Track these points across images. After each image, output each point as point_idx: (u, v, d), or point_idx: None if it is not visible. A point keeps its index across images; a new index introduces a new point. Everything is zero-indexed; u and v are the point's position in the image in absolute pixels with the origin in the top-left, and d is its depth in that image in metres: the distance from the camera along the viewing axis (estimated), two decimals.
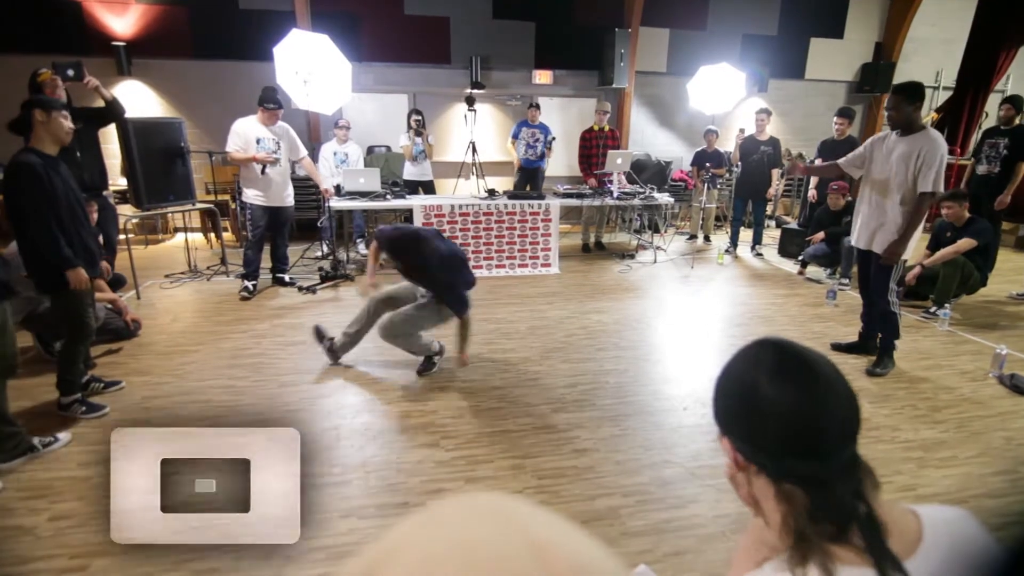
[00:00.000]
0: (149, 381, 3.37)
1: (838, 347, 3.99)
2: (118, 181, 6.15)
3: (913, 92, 3.25)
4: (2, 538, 2.10)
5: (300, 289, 5.04)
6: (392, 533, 0.32)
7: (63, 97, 4.28)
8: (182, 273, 5.56)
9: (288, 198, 5.07)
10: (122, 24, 6.87)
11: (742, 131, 6.96)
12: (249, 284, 4.95)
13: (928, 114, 9.36)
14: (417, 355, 3.53)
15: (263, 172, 4.74)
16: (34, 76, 3.93)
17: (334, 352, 3.58)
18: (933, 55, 9.36)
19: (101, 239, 4.32)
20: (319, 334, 3.61)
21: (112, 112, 4.43)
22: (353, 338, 3.56)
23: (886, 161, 3.37)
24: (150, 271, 5.55)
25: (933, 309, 4.63)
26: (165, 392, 3.24)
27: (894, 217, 3.37)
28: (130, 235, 5.37)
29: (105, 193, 4.62)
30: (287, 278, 5.27)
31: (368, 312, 3.52)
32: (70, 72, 4.04)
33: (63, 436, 2.69)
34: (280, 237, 5.15)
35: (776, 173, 6.59)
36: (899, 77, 9.07)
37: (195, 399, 3.16)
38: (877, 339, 3.79)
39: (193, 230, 7.06)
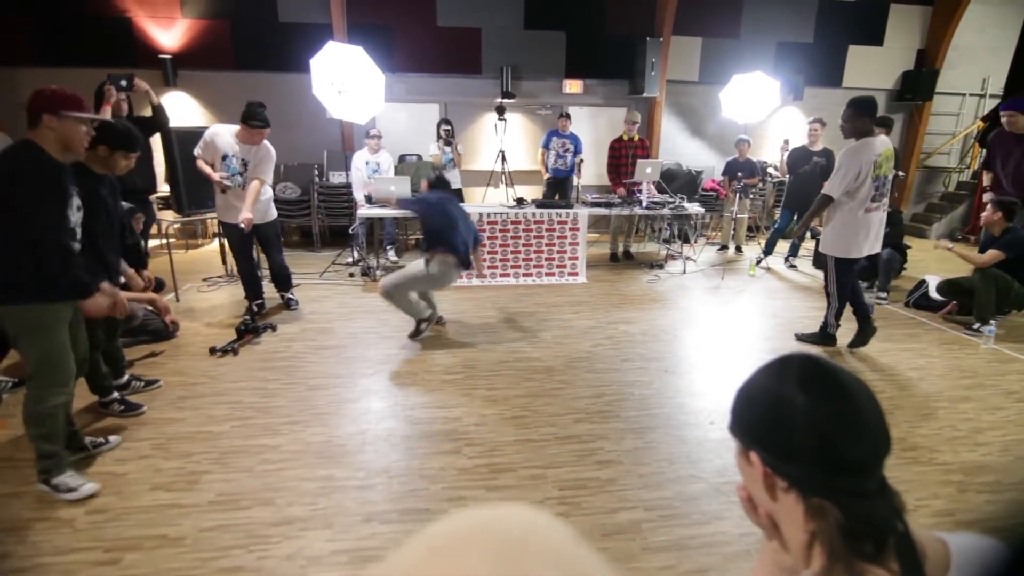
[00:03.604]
0: (184, 381, 3.48)
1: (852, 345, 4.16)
2: (161, 188, 6.40)
3: (858, 105, 3.64)
4: (43, 529, 2.20)
5: (213, 351, 3.90)
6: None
7: (124, 109, 4.52)
8: (219, 277, 5.74)
9: (268, 214, 4.55)
10: (169, 37, 7.18)
11: (786, 142, 6.87)
12: (254, 305, 4.56)
13: (974, 122, 9.05)
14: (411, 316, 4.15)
15: (223, 191, 4.27)
16: (101, 86, 4.16)
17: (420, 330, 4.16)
18: (979, 62, 9.03)
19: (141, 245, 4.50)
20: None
21: (157, 120, 4.64)
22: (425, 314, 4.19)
23: None
24: (189, 275, 5.75)
25: (976, 326, 4.44)
26: (199, 392, 3.34)
27: (835, 215, 3.87)
28: (171, 240, 5.59)
29: (152, 197, 4.80)
30: (289, 296, 4.85)
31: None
32: (123, 83, 4.29)
33: (113, 439, 2.79)
34: (271, 254, 4.68)
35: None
36: (942, 85, 8.80)
37: (227, 400, 3.25)
38: (870, 332, 4.06)
39: None
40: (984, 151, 5.88)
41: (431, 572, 0.28)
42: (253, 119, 4.19)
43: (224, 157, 4.22)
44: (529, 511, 0.34)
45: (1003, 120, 4.88)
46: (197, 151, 4.26)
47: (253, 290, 4.59)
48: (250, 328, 4.22)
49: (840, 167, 3.71)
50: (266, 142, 4.35)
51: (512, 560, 0.29)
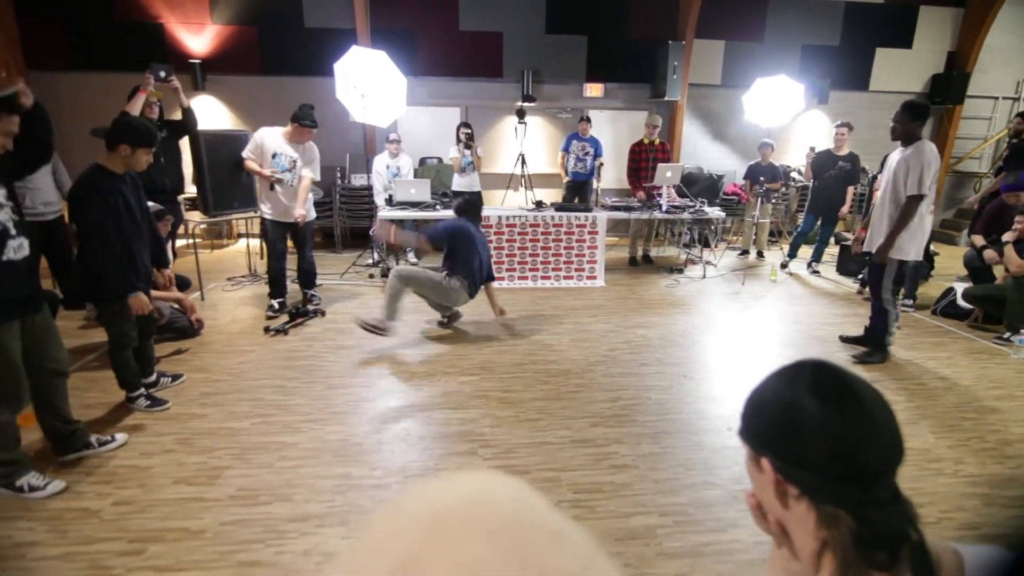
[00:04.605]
0: (208, 378, 3.56)
1: (846, 339, 4.28)
2: (188, 189, 6.56)
3: (915, 111, 3.66)
4: (72, 518, 2.27)
5: (267, 331, 4.32)
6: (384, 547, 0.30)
7: (155, 114, 4.67)
8: (243, 277, 5.86)
9: (310, 213, 4.80)
10: (198, 43, 7.36)
11: (812, 149, 6.79)
12: (275, 303, 4.71)
13: (1007, 126, 8.79)
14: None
15: (272, 188, 4.47)
16: (135, 88, 4.31)
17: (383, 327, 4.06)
18: (1014, 65, 8.79)
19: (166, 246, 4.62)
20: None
21: (186, 123, 4.79)
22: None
23: (888, 173, 3.79)
24: (214, 274, 5.88)
25: (1007, 335, 4.32)
26: (221, 390, 3.41)
27: (888, 221, 3.73)
28: (197, 240, 5.72)
29: (180, 198, 4.93)
30: (312, 294, 5.00)
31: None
32: (162, 73, 4.50)
33: (120, 437, 2.83)
34: (303, 251, 4.86)
35: (851, 191, 6.32)
36: (974, 88, 8.58)
37: (249, 397, 3.32)
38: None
39: (255, 236, 7.41)
40: (980, 211, 5.69)
41: (436, 558, 0.28)
42: (306, 119, 4.48)
43: (274, 156, 4.49)
44: (507, 481, 0.34)
45: (1009, 200, 4.83)
46: (246, 153, 4.52)
47: (277, 288, 4.74)
48: (301, 312, 4.59)
49: (914, 167, 3.58)
50: (311, 141, 4.65)
51: (511, 539, 0.30)
